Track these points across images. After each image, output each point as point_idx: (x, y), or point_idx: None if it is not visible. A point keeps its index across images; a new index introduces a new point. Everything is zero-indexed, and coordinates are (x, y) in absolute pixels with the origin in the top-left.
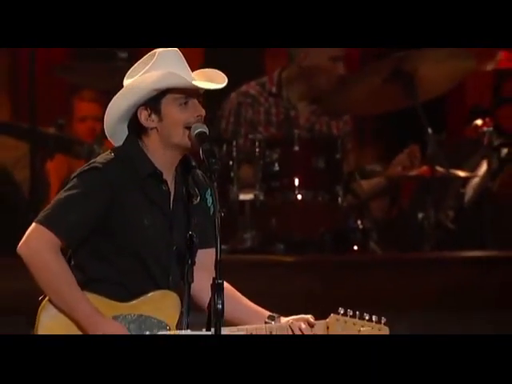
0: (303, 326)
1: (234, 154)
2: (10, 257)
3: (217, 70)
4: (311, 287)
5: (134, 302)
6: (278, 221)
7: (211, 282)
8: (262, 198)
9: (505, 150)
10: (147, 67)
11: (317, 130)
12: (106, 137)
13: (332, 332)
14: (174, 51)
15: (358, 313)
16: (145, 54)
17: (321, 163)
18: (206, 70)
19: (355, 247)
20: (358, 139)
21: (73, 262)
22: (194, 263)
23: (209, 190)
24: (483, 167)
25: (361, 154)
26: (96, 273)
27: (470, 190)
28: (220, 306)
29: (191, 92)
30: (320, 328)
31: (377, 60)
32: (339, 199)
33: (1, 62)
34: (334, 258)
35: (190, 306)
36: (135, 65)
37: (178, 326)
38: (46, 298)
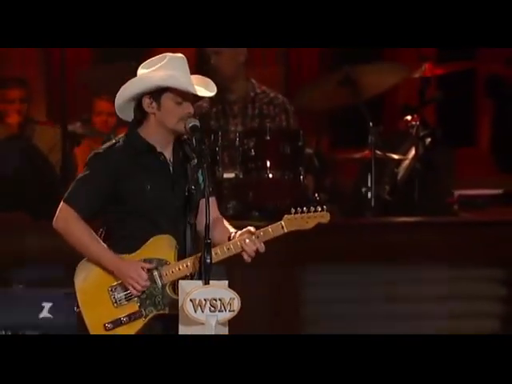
0: (247, 241)
1: (219, 142)
2: (49, 220)
3: (209, 79)
4: (279, 245)
5: (138, 251)
6: (253, 194)
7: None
8: (241, 176)
9: (428, 139)
10: (157, 66)
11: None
12: (119, 128)
13: (288, 229)
14: (181, 57)
15: (305, 208)
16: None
17: (287, 149)
18: (201, 76)
19: None
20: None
21: (104, 229)
22: (194, 210)
23: (200, 170)
24: (412, 152)
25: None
26: (116, 232)
27: (402, 170)
28: (208, 261)
29: (186, 94)
30: (277, 229)
31: (330, 71)
32: (301, 177)
33: (37, 70)
34: None
35: (193, 241)
36: (149, 60)
37: (179, 259)
38: (77, 266)
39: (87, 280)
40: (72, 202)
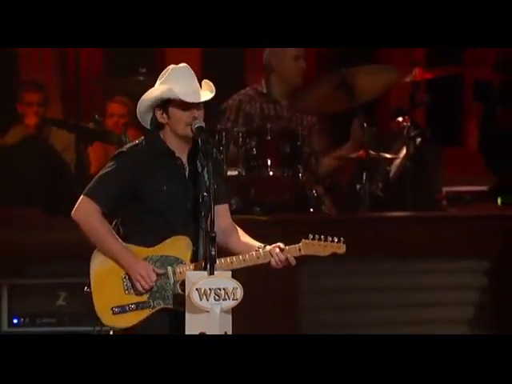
0: (277, 250)
1: (224, 141)
2: (63, 215)
3: (212, 84)
4: (279, 238)
5: (157, 246)
6: (255, 190)
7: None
8: (244, 173)
9: (418, 139)
10: (162, 79)
11: (285, 124)
12: (130, 129)
13: (304, 253)
14: (182, 67)
15: (322, 236)
16: (160, 70)
17: (286, 148)
18: (208, 81)
19: (311, 209)
20: (314, 130)
21: (119, 221)
22: (206, 215)
23: (205, 168)
24: (403, 151)
25: (316, 142)
26: (132, 228)
27: (393, 168)
28: (213, 253)
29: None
30: (294, 251)
31: (328, 73)
32: (300, 175)
33: (54, 75)
34: (295, 217)
35: (203, 243)
36: (164, 71)
37: (193, 261)
38: (94, 251)
39: (103, 264)
40: (93, 195)
